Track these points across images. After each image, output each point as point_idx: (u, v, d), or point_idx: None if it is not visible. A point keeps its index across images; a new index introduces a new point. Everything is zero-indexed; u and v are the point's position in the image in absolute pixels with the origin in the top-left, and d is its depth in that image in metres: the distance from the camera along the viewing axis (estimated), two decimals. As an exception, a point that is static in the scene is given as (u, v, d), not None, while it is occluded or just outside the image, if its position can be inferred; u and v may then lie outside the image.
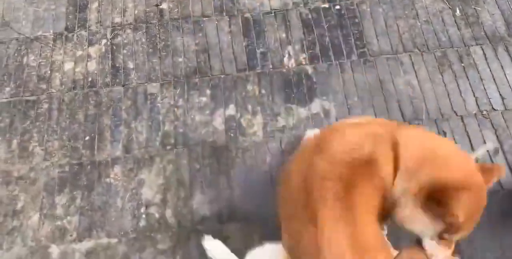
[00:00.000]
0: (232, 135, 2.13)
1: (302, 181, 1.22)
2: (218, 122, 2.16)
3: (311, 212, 1.17)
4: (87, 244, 1.86)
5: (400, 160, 1.19)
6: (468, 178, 1.17)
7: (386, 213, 1.24)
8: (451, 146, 1.31)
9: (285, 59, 2.32)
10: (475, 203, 1.16)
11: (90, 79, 2.28)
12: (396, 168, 1.20)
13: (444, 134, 2.13)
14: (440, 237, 1.21)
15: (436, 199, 1.13)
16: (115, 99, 2.21)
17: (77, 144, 2.09)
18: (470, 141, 2.11)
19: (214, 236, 1.86)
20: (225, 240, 1.87)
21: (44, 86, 2.25)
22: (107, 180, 2.01)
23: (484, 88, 2.24)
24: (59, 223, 1.91)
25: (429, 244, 1.25)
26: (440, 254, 1.23)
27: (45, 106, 2.20)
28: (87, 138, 2.11)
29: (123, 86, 2.26)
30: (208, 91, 2.24)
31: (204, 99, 2.22)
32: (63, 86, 2.25)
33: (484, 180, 1.20)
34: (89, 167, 2.04)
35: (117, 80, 2.27)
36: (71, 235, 1.88)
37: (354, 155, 1.18)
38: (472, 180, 1.17)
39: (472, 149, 2.09)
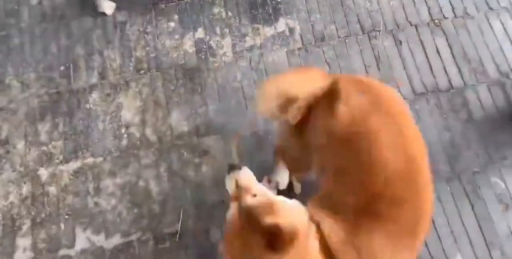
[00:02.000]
0: (202, 57, 2.00)
1: None
2: (188, 45, 2.02)
3: None
4: (74, 165, 1.77)
5: None
6: None
7: None
8: None
9: (248, -19, 2.14)
10: None
11: (59, 12, 2.06)
12: None
13: (400, 43, 2.03)
14: None
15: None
16: (86, 29, 2.02)
17: (53, 74, 1.93)
18: (424, 48, 2.02)
19: (194, 150, 1.79)
20: (205, 154, 1.79)
21: (12, 21, 2.03)
22: (87, 106, 1.88)
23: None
24: (44, 148, 1.80)
25: None
26: None
27: (17, 40, 1.99)
28: (62, 68, 1.95)
29: (91, 16, 2.05)
30: (175, 16, 2.07)
31: (172, 24, 2.05)
32: (33, 20, 2.03)
33: None
34: (67, 95, 1.90)
35: (87, 10, 2.06)
36: (57, 158, 1.78)
37: None
38: None
39: (427, 57, 2.01)
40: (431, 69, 1.99)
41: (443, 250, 1.67)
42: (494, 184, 1.77)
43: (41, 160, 1.77)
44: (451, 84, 1.96)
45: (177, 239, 1.65)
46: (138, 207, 1.70)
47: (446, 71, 1.98)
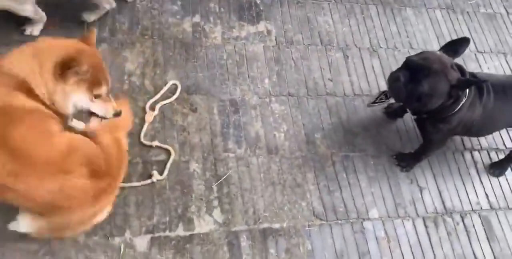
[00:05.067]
0: (197, 36, 2.53)
1: None
2: (187, 25, 2.55)
3: None
4: (80, 96, 2.10)
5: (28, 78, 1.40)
6: (74, 47, 1.51)
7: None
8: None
9: (240, -10, 2.77)
10: (91, 57, 1.51)
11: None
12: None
13: (347, 57, 2.76)
14: (93, 95, 1.53)
15: (64, 67, 1.41)
16: (101, -5, 2.45)
17: (68, 24, 2.30)
18: (363, 64, 2.77)
19: (184, 104, 2.25)
20: (194, 111, 2.26)
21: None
22: (96, 53, 2.26)
23: (376, 34, 2.93)
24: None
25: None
26: (104, 109, 1.58)
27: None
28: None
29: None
30: (179, 2, 2.61)
31: (175, 7, 2.58)
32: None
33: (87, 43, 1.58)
34: (80, 41, 2.26)
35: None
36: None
37: None
38: (78, 47, 1.52)
39: (365, 70, 2.74)
40: (367, 79, 2.72)
41: (364, 204, 2.27)
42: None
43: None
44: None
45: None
46: (131, 137, 2.08)
47: (377, 82, 2.73)
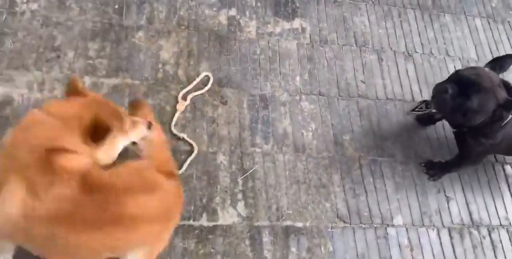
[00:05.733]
0: (232, 29, 2.55)
1: None
2: (222, 18, 2.57)
3: None
4: (114, 81, 2.17)
5: None
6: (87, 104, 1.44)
7: None
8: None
9: (278, -15, 2.78)
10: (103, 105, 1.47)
11: (120, -37, 2.53)
12: None
13: (382, 59, 2.74)
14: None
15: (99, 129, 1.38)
16: (141, -16, 2.50)
17: (108, 9, 2.36)
18: (397, 68, 2.75)
19: (215, 96, 2.27)
20: (224, 103, 2.28)
21: (79, -40, 2.46)
22: (133, 39, 2.32)
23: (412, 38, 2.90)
24: (91, 61, 2.19)
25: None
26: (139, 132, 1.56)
27: (79, -25, 2.41)
28: (116, 6, 2.39)
29: (148, -25, 2.55)
30: (216, -5, 2.63)
31: (213, 0, 2.59)
32: (96, -36, 2.47)
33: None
34: (117, 27, 2.33)
35: (143, -30, 2.55)
36: (101, 72, 2.17)
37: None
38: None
39: (399, 74, 2.72)
40: (400, 84, 2.70)
41: (390, 210, 2.25)
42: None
43: (87, 70, 2.15)
44: (413, 97, 2.67)
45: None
46: (162, 125, 2.11)
47: (411, 88, 2.70)
